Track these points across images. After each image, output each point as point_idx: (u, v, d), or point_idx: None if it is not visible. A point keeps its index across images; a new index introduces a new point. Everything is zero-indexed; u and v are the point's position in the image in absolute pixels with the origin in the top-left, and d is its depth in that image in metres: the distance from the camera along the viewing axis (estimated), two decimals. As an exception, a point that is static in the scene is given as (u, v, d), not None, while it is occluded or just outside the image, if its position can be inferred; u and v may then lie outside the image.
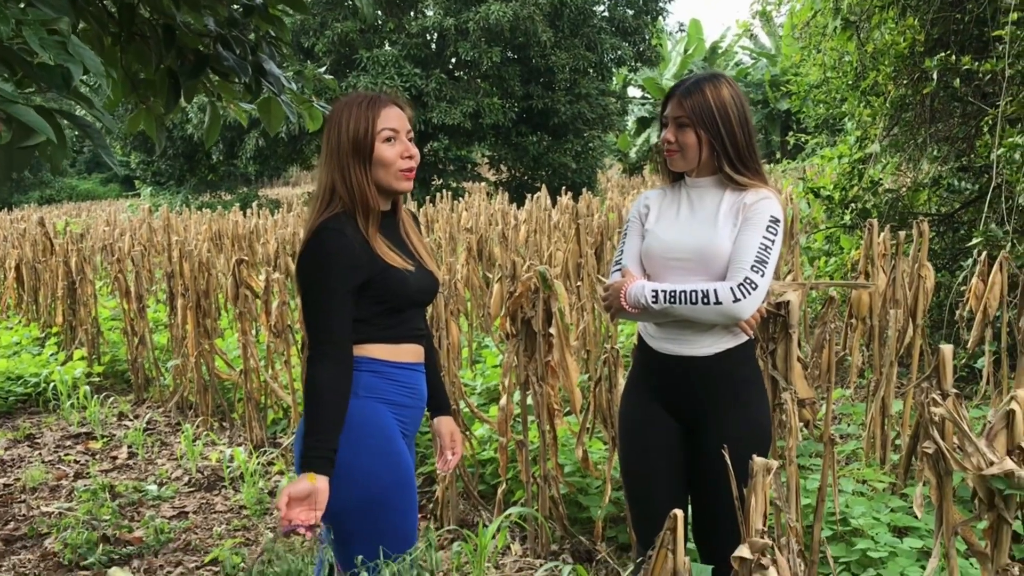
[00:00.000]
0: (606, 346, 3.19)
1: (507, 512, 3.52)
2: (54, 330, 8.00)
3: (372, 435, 2.11)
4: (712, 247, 2.28)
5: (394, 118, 2.16)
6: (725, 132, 2.29)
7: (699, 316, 2.23)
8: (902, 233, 3.49)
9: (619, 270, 2.43)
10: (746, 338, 2.36)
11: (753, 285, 2.20)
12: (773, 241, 2.25)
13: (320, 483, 1.98)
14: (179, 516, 4.46)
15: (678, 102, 2.32)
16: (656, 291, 2.26)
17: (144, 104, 3.70)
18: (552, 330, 3.54)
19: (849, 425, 4.56)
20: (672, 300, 2.24)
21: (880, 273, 3.84)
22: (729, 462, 2.35)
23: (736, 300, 2.19)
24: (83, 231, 12.40)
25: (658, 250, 2.36)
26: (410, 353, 2.23)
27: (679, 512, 1.70)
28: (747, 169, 2.32)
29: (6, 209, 35.51)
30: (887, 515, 3.19)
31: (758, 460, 1.69)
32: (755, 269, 2.21)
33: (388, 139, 2.14)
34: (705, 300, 2.21)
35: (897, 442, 3.75)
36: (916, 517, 3.20)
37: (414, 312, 2.24)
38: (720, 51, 32.61)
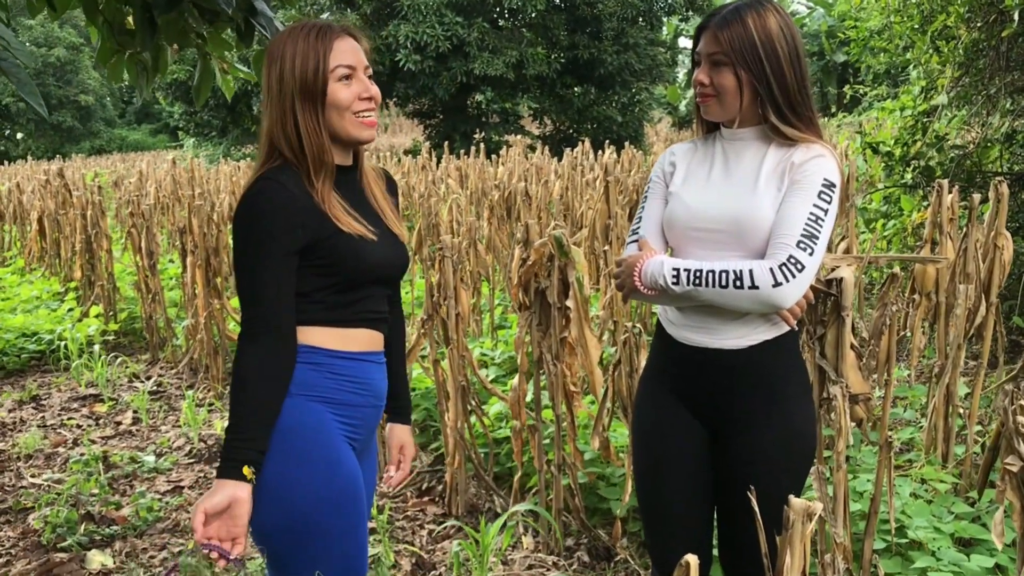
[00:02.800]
0: (627, 324, 2.78)
1: (512, 510, 3.15)
2: (72, 285, 7.78)
3: (303, 441, 1.72)
4: (750, 216, 1.84)
5: (349, 52, 1.76)
6: (771, 72, 1.84)
7: (730, 302, 1.81)
8: (977, 196, 3.01)
9: (635, 241, 2.00)
10: (786, 328, 1.93)
11: (799, 266, 1.77)
12: (826, 211, 1.81)
13: (241, 492, 1.61)
14: (173, 491, 4.17)
15: (713, 35, 1.87)
16: (678, 270, 1.84)
17: (123, 49, 3.37)
18: (569, 303, 3.13)
19: (906, 409, 4.10)
20: (697, 281, 1.81)
21: (947, 241, 3.36)
22: (761, 483, 1.95)
23: (776, 284, 1.76)
24: (115, 182, 12.18)
25: (683, 218, 1.93)
26: (363, 340, 1.83)
27: (692, 560, 1.33)
28: (798, 119, 1.87)
29: (58, 158, 35.82)
30: (950, 524, 2.76)
31: (796, 504, 1.28)
32: (802, 246, 1.78)
33: (344, 77, 1.74)
34: (738, 283, 1.78)
35: (963, 432, 3.30)
36: (987, 528, 2.77)
37: (374, 290, 1.83)
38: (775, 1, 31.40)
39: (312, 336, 1.77)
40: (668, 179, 2.03)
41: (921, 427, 3.71)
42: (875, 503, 2.42)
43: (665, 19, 25.23)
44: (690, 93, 33.85)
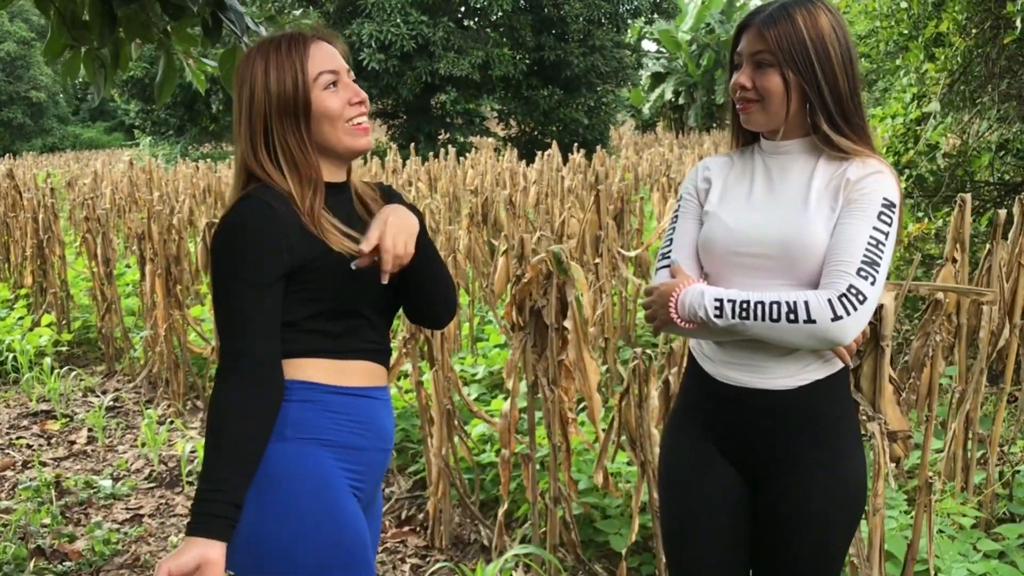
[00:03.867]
0: (636, 350, 2.55)
1: (510, 553, 2.91)
2: (23, 292, 7.39)
3: (300, 491, 1.50)
4: (801, 239, 1.62)
5: (329, 57, 1.57)
6: (823, 75, 1.62)
7: (781, 337, 1.59)
8: (1002, 212, 2.84)
9: (666, 267, 1.77)
10: (840, 366, 1.71)
11: (860, 297, 1.55)
12: (887, 234, 1.60)
13: (212, 552, 1.38)
14: (133, 520, 3.87)
15: (757, 33, 1.65)
16: (720, 301, 1.62)
17: (77, 44, 3.09)
18: (567, 323, 2.90)
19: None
20: (743, 314, 1.59)
21: (966, 260, 3.17)
22: (809, 526, 1.74)
23: (836, 318, 1.54)
24: (69, 182, 11.73)
25: (723, 241, 1.71)
26: (361, 374, 1.60)
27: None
28: (851, 129, 1.66)
29: (8, 156, 34.83)
30: (980, 563, 2.57)
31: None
32: (863, 274, 1.56)
33: (330, 84, 1.55)
34: (791, 316, 1.56)
35: (983, 459, 3.13)
36: (1017, 567, 2.59)
37: (372, 317, 1.61)
38: (739, 4, 31.43)
39: (305, 370, 1.55)
40: (702, 196, 1.80)
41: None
42: (913, 549, 2.22)
43: (630, 21, 25.14)
44: (653, 96, 33.78)
